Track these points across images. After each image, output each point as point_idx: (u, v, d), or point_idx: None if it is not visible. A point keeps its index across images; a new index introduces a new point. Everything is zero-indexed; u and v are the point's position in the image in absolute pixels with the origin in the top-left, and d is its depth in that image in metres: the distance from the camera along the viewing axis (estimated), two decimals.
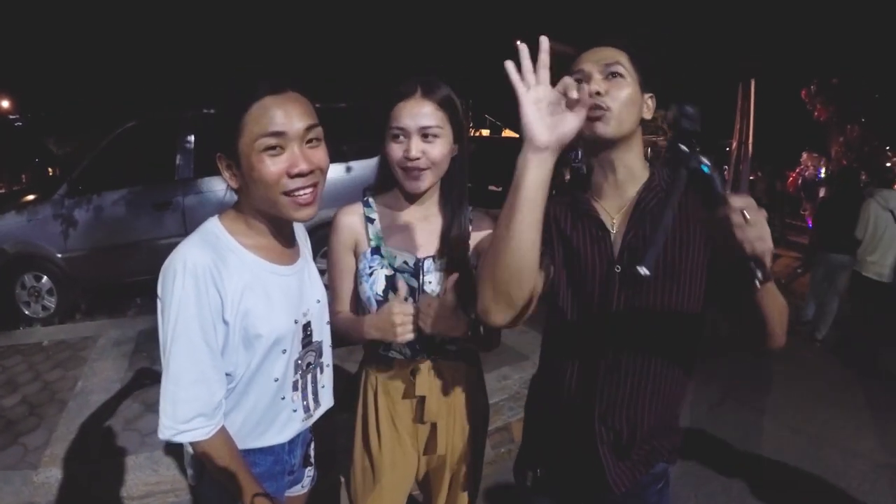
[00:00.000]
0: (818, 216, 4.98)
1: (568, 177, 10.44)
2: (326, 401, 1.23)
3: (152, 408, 2.64)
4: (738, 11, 9.58)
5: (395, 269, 1.24)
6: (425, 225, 1.29)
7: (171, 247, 0.98)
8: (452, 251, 1.25)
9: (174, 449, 2.33)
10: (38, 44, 9.92)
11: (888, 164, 12.63)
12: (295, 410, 1.13)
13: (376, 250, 1.25)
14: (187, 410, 0.95)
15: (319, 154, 1.00)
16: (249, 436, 1.08)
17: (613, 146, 1.02)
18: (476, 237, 1.30)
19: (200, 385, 0.96)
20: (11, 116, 13.70)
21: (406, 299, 1.20)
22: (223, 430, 1.01)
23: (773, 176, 10.00)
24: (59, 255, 4.36)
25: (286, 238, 1.11)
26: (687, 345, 1.07)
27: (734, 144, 11.11)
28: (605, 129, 0.99)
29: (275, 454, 1.12)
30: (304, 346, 1.12)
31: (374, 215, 1.29)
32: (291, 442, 1.16)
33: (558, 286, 1.10)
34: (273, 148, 0.93)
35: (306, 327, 1.12)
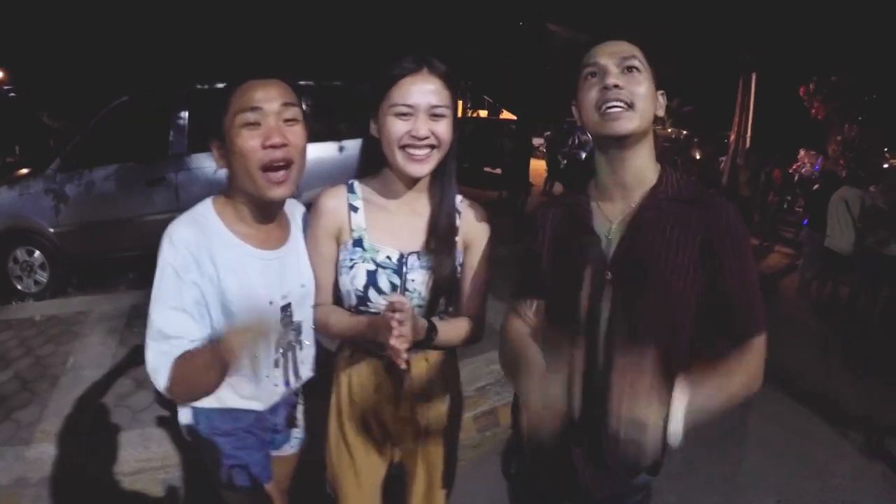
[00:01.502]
0: (807, 204, 6.89)
1: (565, 162, 10.42)
2: (306, 374, 1.30)
3: (144, 384, 2.63)
4: (738, 8, 9.50)
5: (378, 265, 1.16)
6: (412, 217, 1.20)
7: (164, 222, 1.07)
8: (438, 247, 1.18)
9: (165, 425, 2.34)
10: (32, 16, 9.72)
11: (885, 166, 12.62)
12: (276, 385, 1.22)
13: (358, 242, 1.17)
14: (171, 328, 1.03)
15: (296, 132, 1.08)
16: (232, 401, 1.17)
17: (628, 144, 0.98)
18: (464, 230, 1.23)
19: (180, 312, 1.04)
20: (6, 87, 13.44)
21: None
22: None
23: (757, 165, 9.04)
24: (52, 230, 4.32)
25: (272, 223, 1.17)
26: (670, 357, 1.00)
27: (732, 137, 11.19)
28: (628, 124, 0.95)
29: (256, 413, 1.22)
30: (284, 326, 1.19)
31: (359, 203, 1.20)
32: (273, 405, 1.24)
33: (550, 288, 1.09)
34: (252, 124, 1.03)
35: (285, 308, 1.18)
